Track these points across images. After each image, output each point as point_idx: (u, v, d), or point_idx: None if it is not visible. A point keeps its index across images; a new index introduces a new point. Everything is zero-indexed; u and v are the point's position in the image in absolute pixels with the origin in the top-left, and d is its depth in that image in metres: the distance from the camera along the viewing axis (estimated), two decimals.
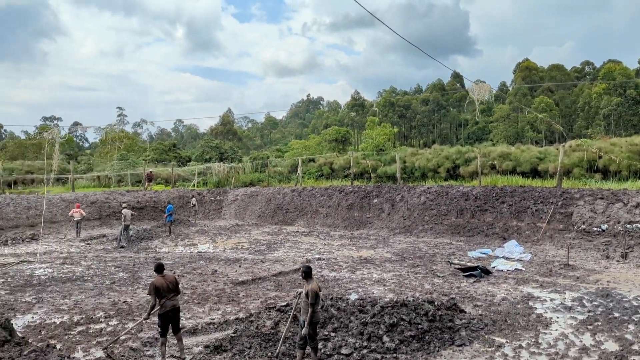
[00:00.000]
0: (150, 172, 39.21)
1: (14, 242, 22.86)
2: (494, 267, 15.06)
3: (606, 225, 18.00)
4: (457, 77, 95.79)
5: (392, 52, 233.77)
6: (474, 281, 13.37)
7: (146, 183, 37.58)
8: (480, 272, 13.94)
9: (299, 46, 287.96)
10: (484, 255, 17.19)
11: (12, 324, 7.23)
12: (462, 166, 33.90)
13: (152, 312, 8.37)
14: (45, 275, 15.16)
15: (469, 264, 15.35)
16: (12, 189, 39.93)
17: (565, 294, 11.82)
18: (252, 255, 18.36)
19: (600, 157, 27.99)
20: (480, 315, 10.08)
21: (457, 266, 15.18)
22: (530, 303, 11.06)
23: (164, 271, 8.51)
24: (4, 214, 26.25)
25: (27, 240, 23.40)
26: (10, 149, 69.49)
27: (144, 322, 9.20)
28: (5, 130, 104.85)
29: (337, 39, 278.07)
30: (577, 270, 14.55)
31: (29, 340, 7.47)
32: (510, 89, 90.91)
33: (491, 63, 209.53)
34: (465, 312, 10.07)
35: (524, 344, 8.45)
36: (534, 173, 30.58)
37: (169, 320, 8.14)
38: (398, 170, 32.02)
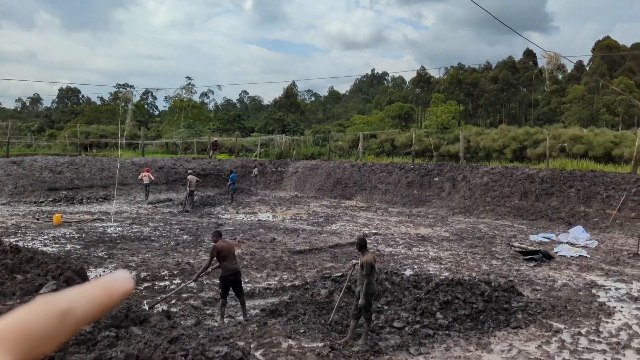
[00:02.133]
0: (216, 141, 40.31)
1: (88, 200, 24.39)
2: (556, 252, 14.56)
3: None
4: (529, 54, 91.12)
5: (462, 27, 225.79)
6: (535, 265, 13.02)
7: (211, 152, 38.74)
8: (541, 256, 13.53)
9: (366, 19, 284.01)
10: (546, 240, 16.63)
11: (86, 273, 7.82)
12: (530, 148, 32.57)
13: (202, 273, 8.75)
14: (116, 233, 16.14)
15: (530, 248, 14.93)
16: (87, 152, 42.37)
17: (632, 284, 11.29)
18: (310, 227, 18.68)
19: None
20: (539, 299, 9.84)
21: (517, 249, 14.81)
22: (593, 291, 10.66)
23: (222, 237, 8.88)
24: (80, 175, 27.96)
25: (100, 199, 24.89)
26: (87, 113, 73.27)
27: (192, 284, 9.47)
28: (82, 96, 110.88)
29: (405, 13, 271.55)
30: None
31: None
32: (588, 68, 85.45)
33: (568, 41, 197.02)
34: (522, 296, 9.87)
35: (583, 331, 8.20)
36: (607, 158, 28.93)
37: (231, 284, 8.48)
38: (461, 150, 31.28)
